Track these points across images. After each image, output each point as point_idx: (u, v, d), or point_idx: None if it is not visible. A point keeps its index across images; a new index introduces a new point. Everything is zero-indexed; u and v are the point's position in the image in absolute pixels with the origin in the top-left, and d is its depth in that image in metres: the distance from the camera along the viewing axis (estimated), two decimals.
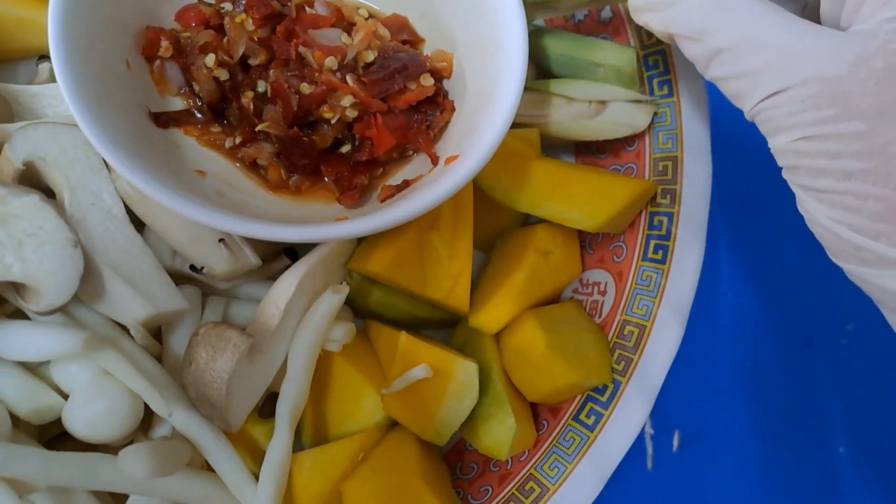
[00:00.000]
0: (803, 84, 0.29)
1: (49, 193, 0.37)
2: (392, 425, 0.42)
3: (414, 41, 0.46)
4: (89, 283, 0.35)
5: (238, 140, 0.42)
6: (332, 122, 0.41)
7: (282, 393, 0.37)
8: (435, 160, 0.42)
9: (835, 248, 0.31)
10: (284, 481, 0.37)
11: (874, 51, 0.28)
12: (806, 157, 0.29)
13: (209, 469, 0.37)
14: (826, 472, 0.50)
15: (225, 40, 0.42)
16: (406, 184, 0.42)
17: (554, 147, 0.48)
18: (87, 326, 0.35)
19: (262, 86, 0.42)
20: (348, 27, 0.43)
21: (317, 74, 0.41)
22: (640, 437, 0.48)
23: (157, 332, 0.39)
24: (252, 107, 0.42)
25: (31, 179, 0.37)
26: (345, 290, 0.39)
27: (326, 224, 0.37)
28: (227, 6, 0.43)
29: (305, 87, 0.41)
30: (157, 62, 0.42)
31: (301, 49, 0.41)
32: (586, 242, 0.47)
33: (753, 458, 0.50)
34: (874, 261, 0.29)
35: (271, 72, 0.41)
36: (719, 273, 0.55)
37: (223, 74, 0.41)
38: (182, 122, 0.42)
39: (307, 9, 0.43)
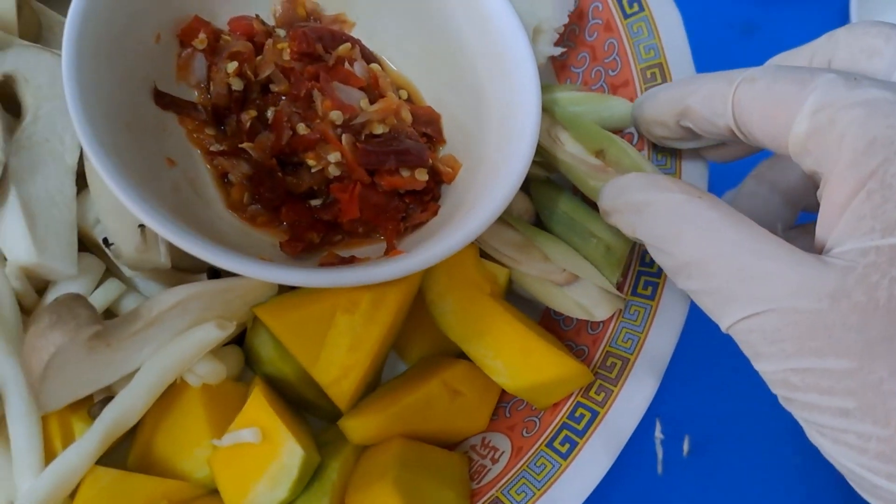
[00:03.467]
0: (779, 312, 0.26)
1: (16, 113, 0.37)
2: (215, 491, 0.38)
3: (436, 139, 0.45)
4: None
5: (222, 147, 0.41)
6: (313, 171, 0.41)
7: (114, 399, 0.35)
8: (390, 248, 0.40)
9: (852, 480, 0.28)
10: (68, 487, 0.34)
11: (854, 283, 0.26)
12: (797, 391, 0.27)
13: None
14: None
15: (258, 58, 0.42)
16: (352, 259, 0.40)
17: (523, 302, 0.45)
18: None
19: (271, 112, 0.42)
20: (377, 97, 0.43)
21: (318, 121, 0.40)
22: (650, 442, 0.48)
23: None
24: (248, 125, 0.41)
25: (5, 92, 0.37)
26: (230, 327, 0.36)
27: (244, 258, 0.35)
28: (281, 32, 0.44)
29: (301, 128, 0.40)
30: (189, 50, 0.42)
31: (314, 92, 0.40)
32: (509, 405, 0.43)
33: (764, 464, 0.49)
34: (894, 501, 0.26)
35: (281, 101, 0.41)
36: None
37: (237, 84, 0.41)
38: (183, 110, 0.42)
39: (346, 65, 0.43)
